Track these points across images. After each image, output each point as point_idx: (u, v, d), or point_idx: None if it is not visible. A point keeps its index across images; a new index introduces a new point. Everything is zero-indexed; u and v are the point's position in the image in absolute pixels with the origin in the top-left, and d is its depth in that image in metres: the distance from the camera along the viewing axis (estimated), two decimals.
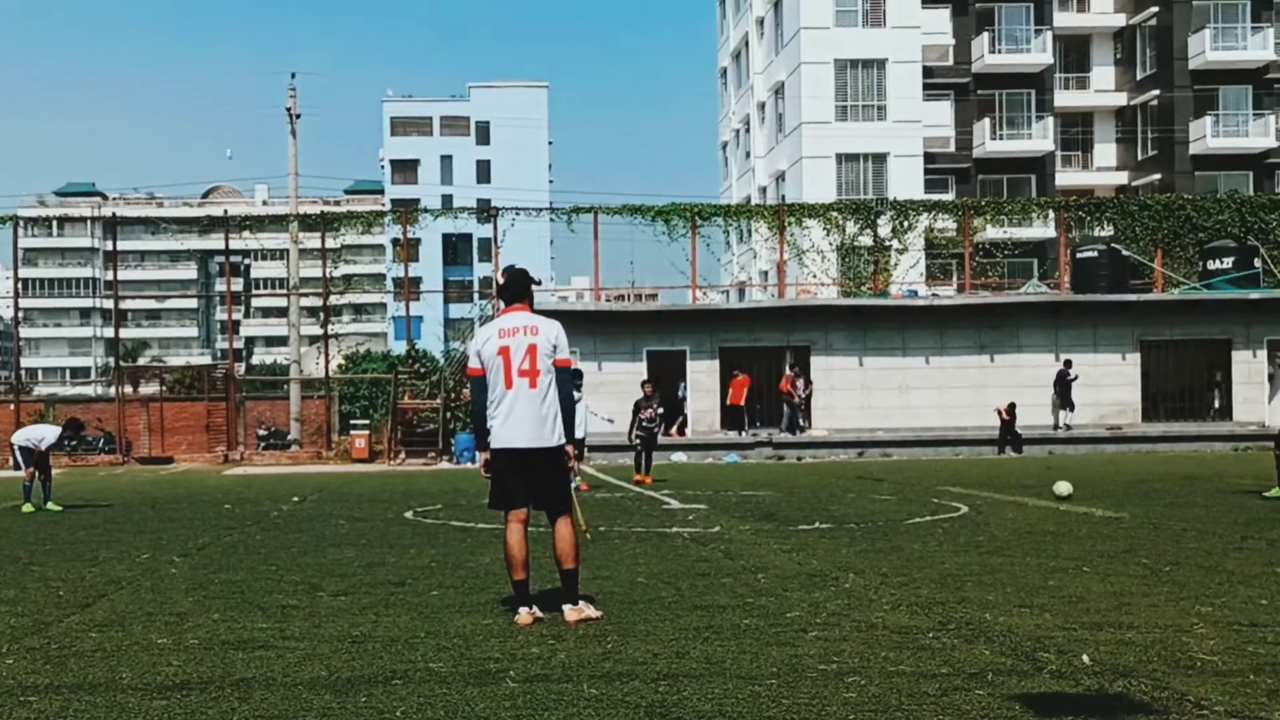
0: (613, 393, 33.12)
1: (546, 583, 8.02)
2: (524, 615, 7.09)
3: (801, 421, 33.26)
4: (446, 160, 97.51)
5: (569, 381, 7.35)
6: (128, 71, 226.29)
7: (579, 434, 19.51)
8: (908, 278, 37.90)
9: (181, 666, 6.07)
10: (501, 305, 7.56)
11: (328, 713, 5.09)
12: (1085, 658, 5.89)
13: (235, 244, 40.74)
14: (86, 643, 6.78)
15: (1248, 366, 33.90)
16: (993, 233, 39.73)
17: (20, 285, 40.92)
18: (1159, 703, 5.03)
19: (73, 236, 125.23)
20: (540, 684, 5.53)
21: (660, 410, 22.52)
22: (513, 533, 7.25)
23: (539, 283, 7.51)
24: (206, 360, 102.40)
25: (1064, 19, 56.11)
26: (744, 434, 32.53)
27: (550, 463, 7.26)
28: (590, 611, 7.19)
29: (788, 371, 33.33)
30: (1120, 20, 57.13)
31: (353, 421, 36.23)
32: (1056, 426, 33.05)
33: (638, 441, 21.66)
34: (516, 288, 7.44)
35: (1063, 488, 16.02)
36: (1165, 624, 6.79)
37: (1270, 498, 14.77)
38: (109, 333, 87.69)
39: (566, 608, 7.15)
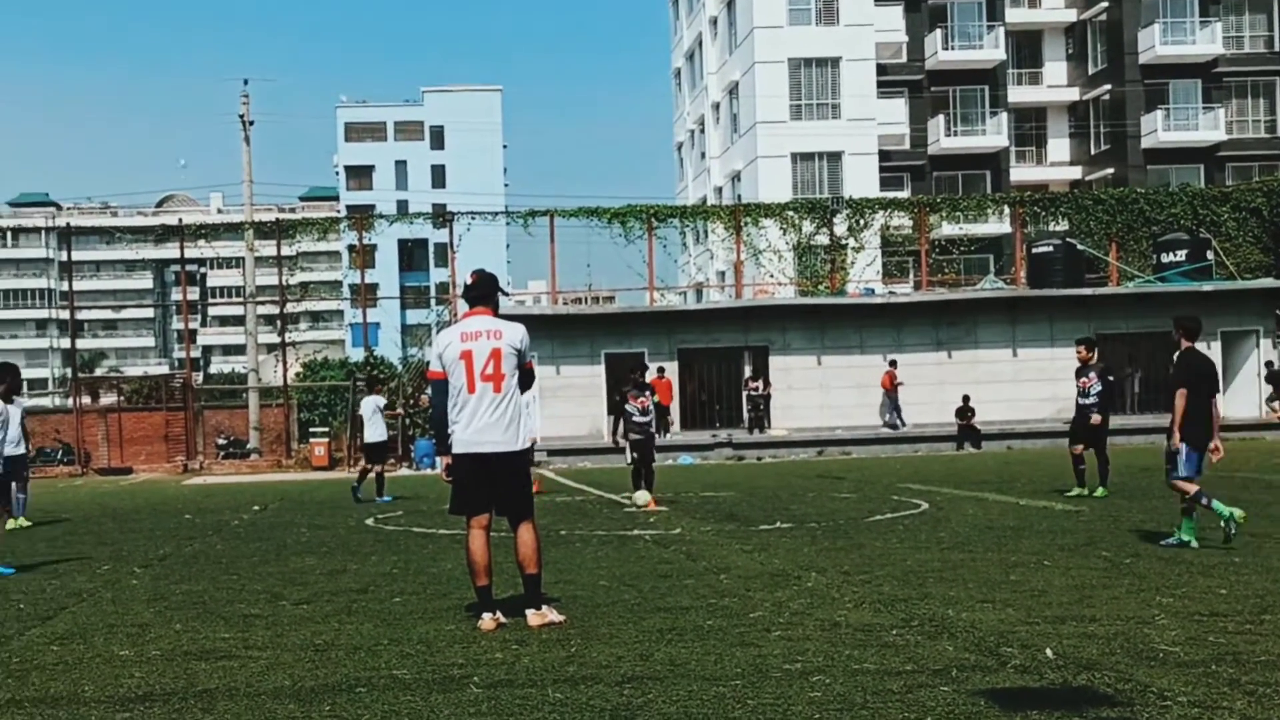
0: (572, 396, 33.12)
1: (510, 588, 7.99)
2: (487, 621, 7.05)
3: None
4: (401, 165, 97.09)
5: (532, 383, 7.38)
6: (80, 80, 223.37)
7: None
8: (864, 276, 38.10)
9: (144, 678, 6.01)
10: (465, 307, 7.49)
11: None
12: (1049, 651, 5.95)
13: (190, 252, 40.24)
14: (48, 656, 6.70)
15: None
16: (948, 229, 40.02)
17: None
18: (1123, 695, 5.08)
19: (27, 247, 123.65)
20: (504, 689, 5.51)
21: (653, 399, 16.83)
22: (475, 539, 7.20)
23: (507, 293, 7.58)
24: (164, 370, 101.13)
25: (1016, 15, 56.64)
26: (665, 436, 32.13)
27: (513, 467, 7.20)
28: (553, 616, 7.16)
29: (746, 375, 33.39)
30: (1071, 15, 57.74)
31: (312, 429, 35.97)
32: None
33: (628, 444, 16.32)
34: (483, 290, 7.35)
35: (641, 497, 15.52)
36: (1127, 616, 6.86)
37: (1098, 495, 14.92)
38: (65, 344, 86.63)
39: (530, 612, 7.14)
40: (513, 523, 7.28)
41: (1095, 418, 15.49)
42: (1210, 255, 34.91)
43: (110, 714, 5.29)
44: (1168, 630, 6.40)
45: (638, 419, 16.13)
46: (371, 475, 19.18)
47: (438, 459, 7.51)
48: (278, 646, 6.73)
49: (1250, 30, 55.40)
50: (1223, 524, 9.69)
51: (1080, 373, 16.04)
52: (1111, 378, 15.97)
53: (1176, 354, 10.32)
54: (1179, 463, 9.87)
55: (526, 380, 7.27)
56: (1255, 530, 10.67)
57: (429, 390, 7.64)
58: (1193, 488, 9.79)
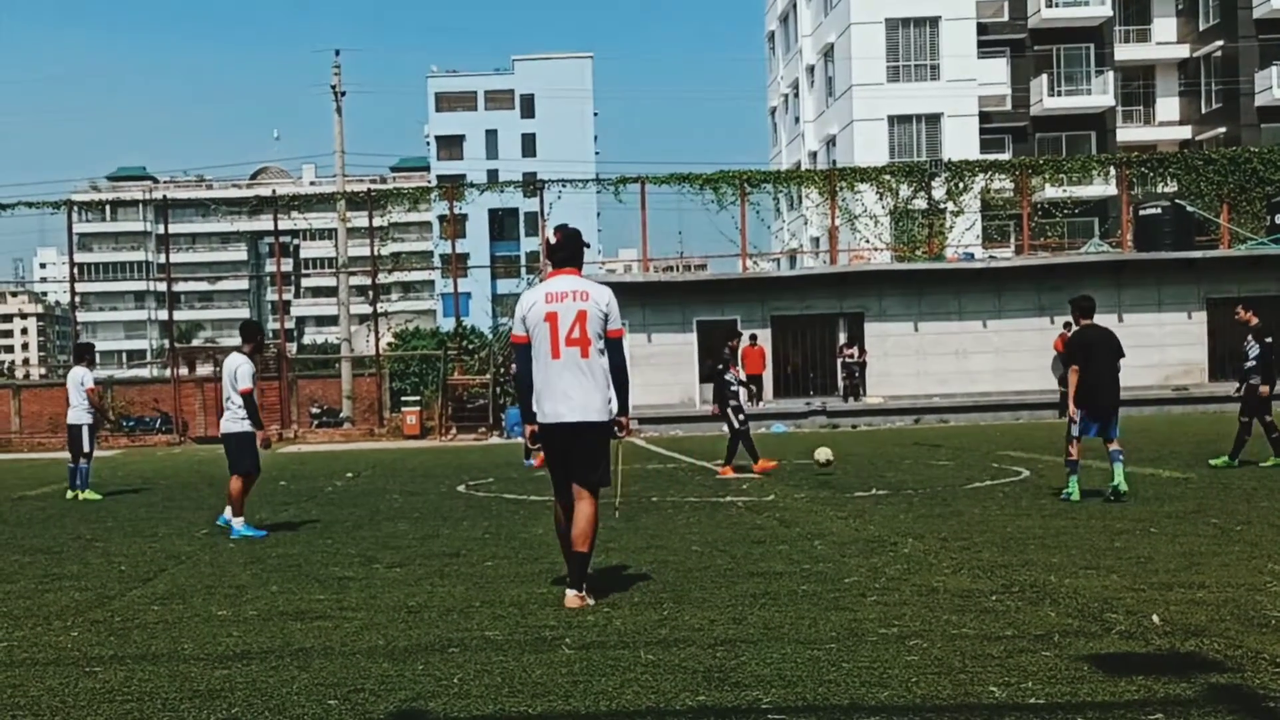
0: (663, 364, 33.06)
1: (608, 559, 7.94)
2: (571, 597, 6.69)
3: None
4: (491, 134, 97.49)
5: (621, 352, 6.80)
6: (174, 55, 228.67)
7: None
8: (964, 240, 37.34)
9: (241, 637, 6.11)
10: (549, 267, 7.03)
11: (386, 680, 5.08)
12: (1155, 618, 5.75)
13: (284, 224, 40.94)
14: (149, 615, 6.84)
15: None
16: (1051, 192, 39.00)
17: (76, 270, 41.50)
18: (1232, 661, 4.89)
19: (125, 221, 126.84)
20: (596, 650, 5.49)
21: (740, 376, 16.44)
22: (563, 512, 6.88)
23: (589, 246, 6.99)
24: None
25: None
26: (758, 404, 31.78)
27: (592, 437, 6.70)
28: (590, 602, 6.66)
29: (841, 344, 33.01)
30: None
31: (404, 398, 36.47)
32: None
33: (731, 410, 15.89)
34: (570, 249, 6.90)
35: (822, 454, 15.13)
36: (1237, 583, 6.62)
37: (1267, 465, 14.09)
38: (163, 315, 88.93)
39: (570, 593, 6.65)
40: (575, 490, 6.75)
41: (1259, 385, 14.40)
42: None
43: (208, 671, 5.38)
44: None
45: (735, 387, 15.95)
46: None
47: (524, 427, 7.00)
48: (371, 608, 6.80)
49: None
50: (1064, 493, 11.09)
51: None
52: (1269, 339, 14.59)
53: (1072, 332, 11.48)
54: (1071, 427, 11.08)
55: (615, 352, 6.75)
56: None
57: (514, 355, 7.20)
58: (1072, 456, 11.10)
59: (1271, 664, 4.81)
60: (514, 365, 7.55)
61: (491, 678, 5.05)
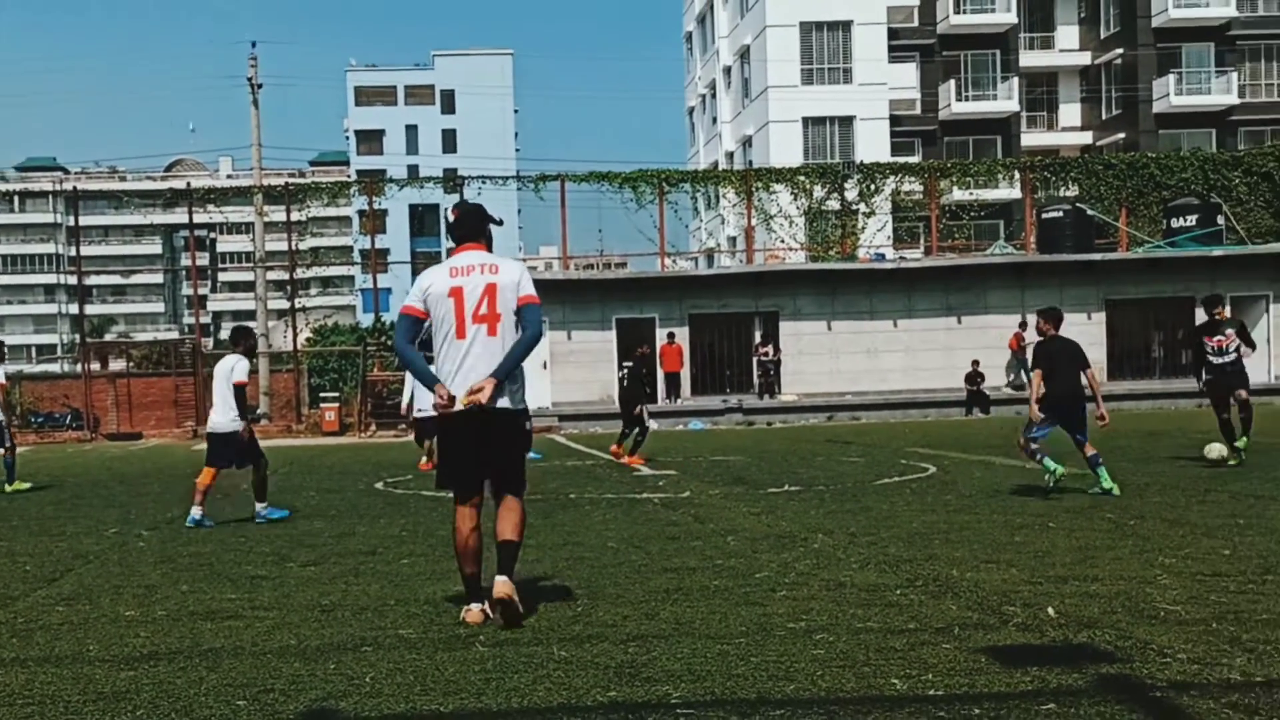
0: (582, 361, 33.16)
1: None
2: (474, 611, 6.09)
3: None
4: (412, 130, 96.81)
5: (539, 321, 6.12)
6: (87, 44, 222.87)
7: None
8: (875, 241, 37.98)
9: (149, 638, 6.05)
10: (452, 247, 6.43)
11: (296, 680, 5.08)
12: (1051, 610, 5.96)
13: (199, 217, 40.21)
14: (53, 616, 6.74)
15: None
16: (959, 195, 39.80)
17: None
18: (1123, 652, 5.09)
19: (34, 212, 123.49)
20: (510, 648, 5.54)
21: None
22: (463, 521, 6.19)
23: (500, 222, 6.40)
24: (174, 335, 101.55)
25: None
26: (676, 401, 32.51)
27: (508, 430, 6.14)
28: (518, 603, 6.00)
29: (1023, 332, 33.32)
30: None
31: (322, 395, 36.08)
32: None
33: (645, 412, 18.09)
34: (471, 224, 6.30)
35: (1214, 450, 13.79)
36: (1129, 576, 6.87)
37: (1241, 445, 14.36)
38: (75, 309, 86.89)
39: (500, 579, 5.98)
40: (498, 496, 6.22)
41: (1238, 364, 14.29)
42: (1221, 220, 34.74)
43: (114, 673, 5.33)
44: (1169, 590, 6.41)
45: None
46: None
47: (433, 389, 6.09)
48: (284, 607, 6.77)
49: None
50: (1046, 478, 11.17)
51: (1210, 330, 14.37)
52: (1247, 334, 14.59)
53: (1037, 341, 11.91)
54: (1034, 428, 11.37)
55: (531, 321, 6.07)
56: (1260, 493, 10.67)
57: (397, 330, 6.30)
58: (1034, 448, 11.38)
59: (1159, 654, 5.02)
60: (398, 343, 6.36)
61: (404, 676, 5.08)
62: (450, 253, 6.42)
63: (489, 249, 6.30)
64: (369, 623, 6.24)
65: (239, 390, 11.32)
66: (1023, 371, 33.14)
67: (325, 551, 9.06)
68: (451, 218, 6.39)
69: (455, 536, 6.24)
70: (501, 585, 5.95)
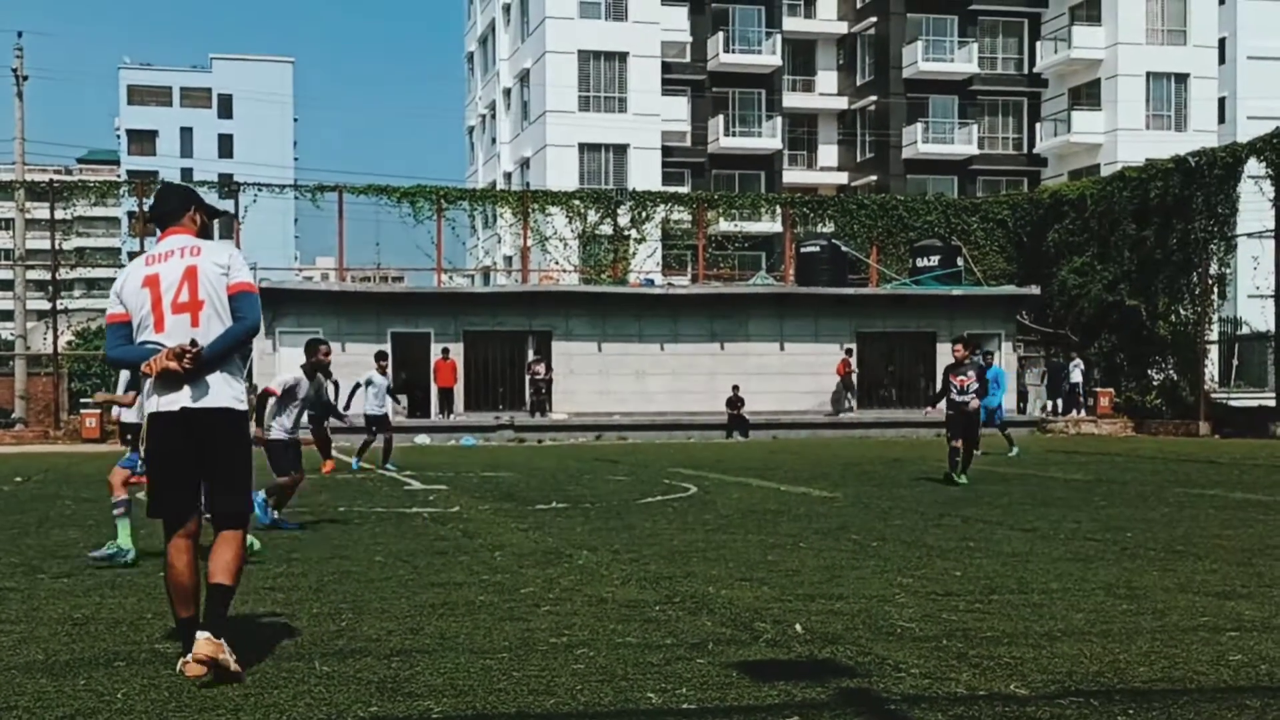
0: (357, 374, 32.37)
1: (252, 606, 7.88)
2: (192, 665, 5.03)
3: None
4: (187, 132, 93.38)
5: (256, 312, 5.29)
6: None
7: (373, 410, 19.71)
8: (645, 267, 38.82)
9: None
10: (157, 234, 5.55)
11: (42, 697, 4.90)
12: (798, 627, 6.31)
13: None
14: None
15: (949, 359, 36.43)
16: (725, 226, 41.18)
17: None
18: (862, 667, 5.44)
19: None
20: (270, 662, 5.49)
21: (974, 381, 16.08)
22: (176, 554, 5.23)
23: (222, 213, 5.65)
24: None
25: (792, 23, 58.68)
26: (449, 416, 32.58)
27: (227, 435, 5.23)
28: (233, 662, 5.04)
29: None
30: (843, 28, 60.19)
31: (83, 400, 34.23)
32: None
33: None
34: (171, 204, 5.50)
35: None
36: (870, 594, 7.32)
37: (962, 482, 15.69)
38: None
39: (203, 637, 4.98)
40: (218, 522, 5.29)
41: (974, 403, 15.75)
42: (960, 262, 37.13)
43: None
44: (906, 608, 6.87)
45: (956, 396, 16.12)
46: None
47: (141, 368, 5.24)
48: (33, 620, 6.49)
49: (1003, 52, 59.14)
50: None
51: (956, 369, 16.00)
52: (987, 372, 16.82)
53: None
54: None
55: (248, 310, 5.25)
56: (989, 518, 11.51)
57: (106, 340, 5.52)
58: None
59: (894, 669, 5.39)
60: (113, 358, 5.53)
61: (158, 692, 4.96)
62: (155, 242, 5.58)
63: (196, 232, 5.46)
64: (124, 637, 6.06)
65: (262, 398, 11.19)
66: (849, 397, 34.65)
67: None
68: (151, 201, 5.62)
69: (168, 573, 5.26)
70: (204, 645, 4.95)
